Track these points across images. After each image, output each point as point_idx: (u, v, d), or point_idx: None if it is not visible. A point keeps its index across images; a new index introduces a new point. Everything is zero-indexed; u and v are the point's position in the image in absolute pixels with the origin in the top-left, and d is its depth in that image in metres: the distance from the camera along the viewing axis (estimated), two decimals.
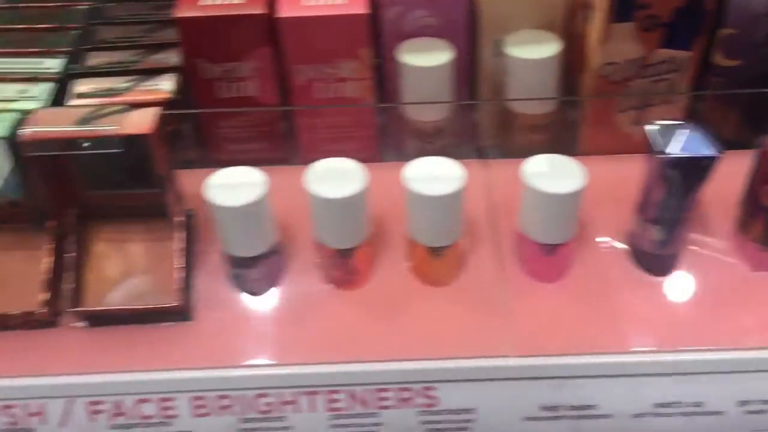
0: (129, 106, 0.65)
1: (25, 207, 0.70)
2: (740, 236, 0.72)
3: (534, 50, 0.75)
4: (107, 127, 0.62)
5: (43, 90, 0.76)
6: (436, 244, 0.68)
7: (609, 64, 0.74)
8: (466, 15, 0.75)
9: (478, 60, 0.80)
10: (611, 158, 0.77)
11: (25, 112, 0.66)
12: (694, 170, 0.64)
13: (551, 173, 0.66)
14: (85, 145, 0.61)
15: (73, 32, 0.83)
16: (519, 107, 0.78)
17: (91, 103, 0.73)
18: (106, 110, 0.64)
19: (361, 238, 0.69)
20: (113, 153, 0.64)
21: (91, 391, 0.68)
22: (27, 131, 0.61)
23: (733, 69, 0.77)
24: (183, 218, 0.72)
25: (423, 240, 0.69)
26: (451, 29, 0.75)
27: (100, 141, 0.62)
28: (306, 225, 0.73)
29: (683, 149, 0.63)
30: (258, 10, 0.71)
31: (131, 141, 0.63)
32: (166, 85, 0.75)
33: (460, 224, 0.68)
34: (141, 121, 0.63)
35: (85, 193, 0.70)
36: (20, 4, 0.88)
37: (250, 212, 0.65)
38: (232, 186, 0.65)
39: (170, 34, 0.82)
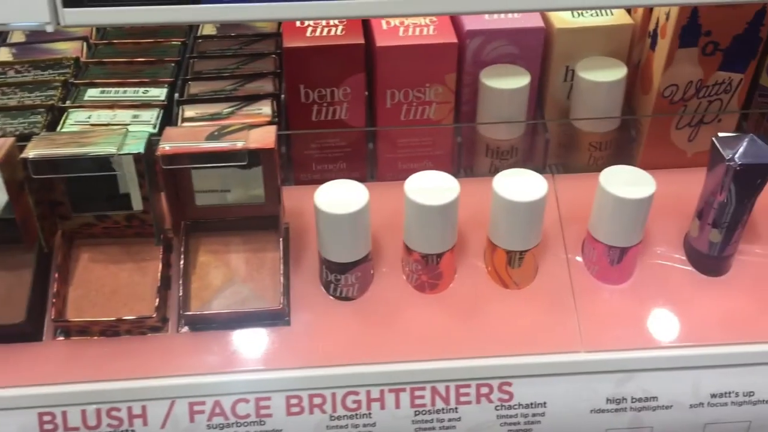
0: (248, 125, 0.69)
1: (139, 221, 0.74)
2: None
3: (602, 74, 0.79)
4: (236, 143, 0.65)
5: (153, 115, 0.80)
6: (517, 249, 0.72)
7: (671, 85, 0.78)
8: (541, 44, 0.80)
9: (547, 84, 0.84)
10: (666, 172, 0.79)
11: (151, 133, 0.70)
12: (755, 176, 0.68)
13: (624, 182, 0.69)
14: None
15: (170, 65, 0.88)
16: (586, 126, 0.82)
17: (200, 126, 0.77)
18: (230, 128, 0.68)
19: (450, 244, 0.72)
20: (230, 167, 0.68)
21: (192, 392, 0.70)
22: (165, 146, 0.65)
23: None
24: (285, 228, 0.76)
25: (504, 245, 0.72)
26: (527, 57, 0.80)
27: (228, 155, 0.66)
28: (387, 234, 0.76)
29: (747, 157, 0.67)
30: (357, 40, 0.76)
31: (255, 155, 0.67)
32: (266, 110, 0.79)
33: (539, 230, 0.72)
34: (263, 138, 0.67)
35: (198, 206, 0.74)
36: (115, 41, 0.93)
37: (356, 220, 0.68)
38: (338, 197, 0.68)
39: (261, 66, 0.86)
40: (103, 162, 0.65)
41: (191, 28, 0.94)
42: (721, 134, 0.69)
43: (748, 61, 0.77)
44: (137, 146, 0.65)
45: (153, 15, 0.56)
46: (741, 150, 0.67)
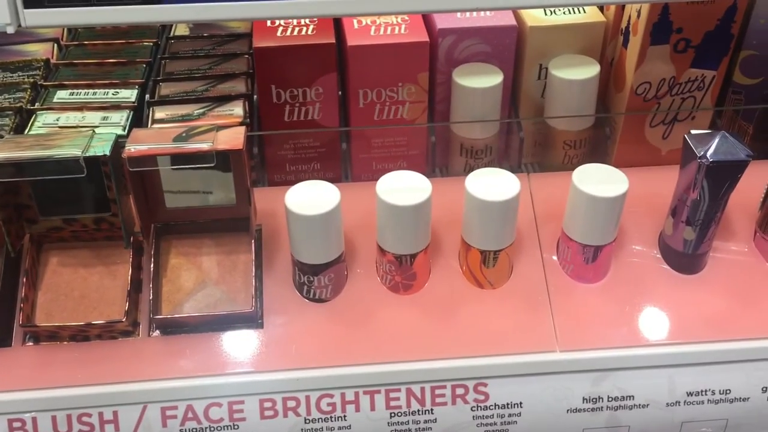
0: (217, 126, 0.68)
1: (108, 224, 0.73)
2: (761, 236, 0.76)
3: (575, 72, 0.79)
4: (203, 144, 0.65)
5: (122, 117, 0.79)
6: (490, 248, 0.72)
7: (644, 83, 0.78)
8: (514, 42, 0.79)
9: (521, 83, 0.84)
10: (641, 170, 0.80)
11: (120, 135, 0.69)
12: (728, 173, 0.67)
13: (597, 180, 0.69)
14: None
15: (142, 66, 0.87)
16: (561, 124, 0.82)
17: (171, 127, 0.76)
18: (198, 129, 0.67)
19: (424, 245, 0.72)
20: (200, 168, 0.68)
21: (165, 397, 0.70)
22: (131, 148, 0.64)
23: (751, 87, 0.82)
24: (258, 230, 0.75)
25: (478, 244, 0.71)
26: (500, 55, 0.79)
27: (196, 156, 0.65)
28: (361, 235, 0.76)
29: (719, 154, 0.67)
30: (328, 39, 0.75)
31: (223, 156, 0.66)
32: (237, 110, 0.79)
33: (513, 229, 0.72)
34: (231, 139, 0.66)
35: (168, 208, 0.73)
36: (86, 42, 0.92)
37: (327, 221, 0.67)
38: (310, 198, 0.67)
39: (233, 66, 0.86)
40: (69, 164, 0.64)
41: (164, 28, 0.93)
42: (693, 131, 0.69)
43: (721, 58, 0.77)
44: (103, 148, 0.64)
45: (116, 15, 0.55)
46: (713, 147, 0.67)
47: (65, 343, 0.70)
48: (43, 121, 0.77)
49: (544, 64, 0.82)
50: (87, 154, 0.64)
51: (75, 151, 0.64)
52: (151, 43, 0.90)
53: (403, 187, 0.68)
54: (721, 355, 0.72)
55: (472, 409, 0.71)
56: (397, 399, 0.71)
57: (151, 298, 0.70)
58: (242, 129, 0.67)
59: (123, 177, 0.67)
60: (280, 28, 0.77)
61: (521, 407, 0.71)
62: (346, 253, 0.73)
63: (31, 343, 0.70)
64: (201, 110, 0.78)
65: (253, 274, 0.72)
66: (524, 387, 0.71)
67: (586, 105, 0.81)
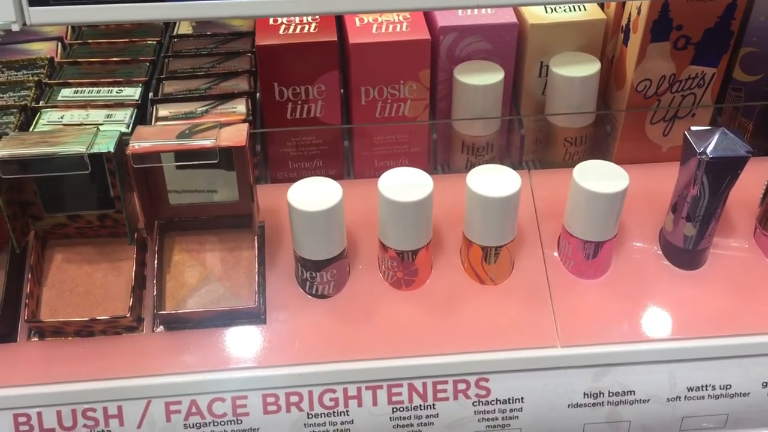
0: (220, 123, 0.68)
1: (112, 221, 0.73)
2: (761, 232, 0.76)
3: (576, 70, 0.79)
4: (206, 141, 0.65)
5: (126, 114, 0.80)
6: (492, 244, 0.72)
7: (645, 80, 0.79)
8: (515, 40, 0.80)
9: (522, 80, 0.84)
10: (641, 166, 0.81)
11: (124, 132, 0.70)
12: (727, 169, 0.68)
13: (598, 176, 0.69)
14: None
15: (145, 64, 0.87)
16: (561, 121, 0.83)
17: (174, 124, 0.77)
18: (201, 126, 0.68)
19: (425, 241, 0.72)
20: (204, 165, 0.68)
21: (168, 392, 0.70)
22: (135, 145, 0.65)
23: (751, 84, 0.82)
24: (261, 226, 0.76)
25: (479, 240, 0.72)
26: (501, 53, 0.80)
27: (199, 153, 0.65)
28: (364, 231, 0.76)
29: (719, 150, 0.67)
30: (330, 37, 0.76)
31: (226, 153, 0.67)
32: (240, 108, 0.79)
33: (514, 226, 0.72)
34: (234, 136, 0.67)
35: (172, 205, 0.74)
36: (90, 41, 0.92)
37: (329, 217, 0.68)
38: (312, 194, 0.68)
39: (236, 64, 0.86)
40: (73, 161, 0.64)
41: (167, 27, 0.93)
42: (693, 128, 0.69)
43: (720, 55, 0.77)
44: (107, 145, 0.65)
45: (120, 13, 0.56)
46: (713, 143, 0.67)
47: (70, 338, 0.71)
48: (48, 119, 0.77)
49: (545, 61, 0.82)
50: (91, 151, 0.64)
51: (79, 148, 0.64)
52: (155, 42, 0.91)
53: (404, 184, 0.68)
54: (721, 350, 0.72)
55: (473, 404, 0.72)
56: (399, 394, 0.71)
57: (155, 293, 0.71)
58: (245, 126, 0.68)
59: (127, 174, 0.68)
60: (283, 26, 0.78)
61: (522, 402, 0.72)
62: (348, 249, 0.73)
63: (36, 339, 0.71)
64: (204, 108, 0.79)
65: (256, 270, 0.73)
66: (525, 382, 0.72)
67: (587, 102, 0.82)
